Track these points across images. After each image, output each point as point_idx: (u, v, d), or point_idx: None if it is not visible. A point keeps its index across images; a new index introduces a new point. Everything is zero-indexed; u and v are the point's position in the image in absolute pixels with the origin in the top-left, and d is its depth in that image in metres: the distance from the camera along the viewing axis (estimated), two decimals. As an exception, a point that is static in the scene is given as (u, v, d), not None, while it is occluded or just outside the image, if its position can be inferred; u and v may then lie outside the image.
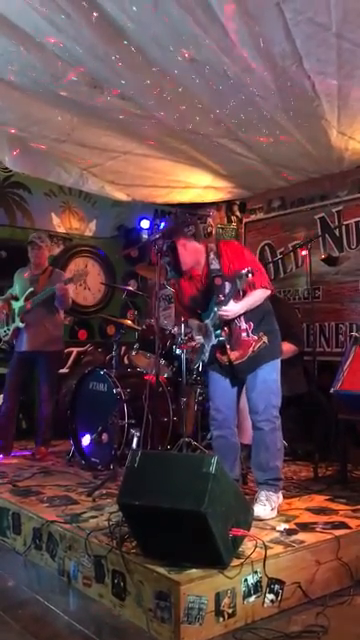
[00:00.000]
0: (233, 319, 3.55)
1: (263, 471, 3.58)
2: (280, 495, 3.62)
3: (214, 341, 3.60)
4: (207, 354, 3.69)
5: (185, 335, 4.47)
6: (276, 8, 3.00)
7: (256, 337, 3.57)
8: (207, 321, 3.66)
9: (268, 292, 3.60)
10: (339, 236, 5.49)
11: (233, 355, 3.60)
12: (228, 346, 3.60)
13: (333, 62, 3.49)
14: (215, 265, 3.61)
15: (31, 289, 5.24)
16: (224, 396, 3.73)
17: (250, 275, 3.30)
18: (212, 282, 3.61)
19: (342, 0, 2.94)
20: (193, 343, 4.01)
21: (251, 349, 3.57)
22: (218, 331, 3.56)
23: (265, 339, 3.59)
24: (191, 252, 3.66)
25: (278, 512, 3.52)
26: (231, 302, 3.42)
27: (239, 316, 3.55)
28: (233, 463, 3.69)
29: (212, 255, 3.66)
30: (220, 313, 3.45)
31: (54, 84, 3.93)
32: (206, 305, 3.67)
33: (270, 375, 3.60)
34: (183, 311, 3.99)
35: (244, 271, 3.30)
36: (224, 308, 3.42)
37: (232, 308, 3.43)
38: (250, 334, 3.57)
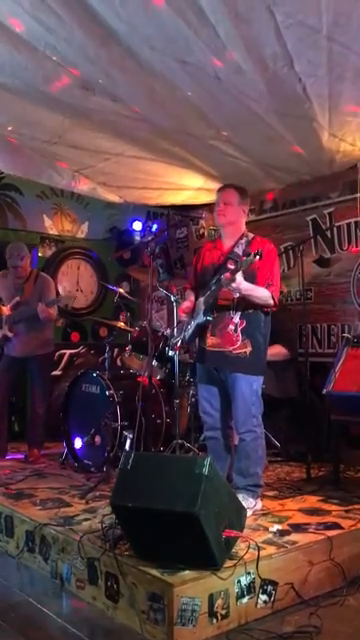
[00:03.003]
0: (229, 308, 3.54)
1: (243, 477, 3.62)
2: (259, 501, 3.64)
3: (201, 319, 3.59)
4: (190, 332, 3.69)
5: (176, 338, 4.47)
6: (267, 11, 3.01)
7: (240, 340, 3.55)
8: (201, 298, 3.64)
9: (271, 302, 3.55)
10: (331, 237, 5.51)
11: (211, 340, 3.60)
12: (209, 331, 3.60)
13: (324, 64, 3.50)
14: (239, 250, 3.61)
15: (17, 299, 5.20)
16: (210, 399, 3.76)
17: (258, 257, 3.26)
18: (225, 263, 3.60)
19: (333, 3, 2.96)
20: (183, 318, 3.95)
21: (231, 347, 3.55)
22: (208, 311, 3.54)
23: (248, 350, 3.55)
24: (234, 214, 3.68)
25: (271, 513, 3.54)
26: (240, 276, 3.32)
27: (235, 309, 3.54)
28: (224, 464, 3.71)
29: (243, 240, 3.65)
30: (227, 275, 3.33)
31: (45, 86, 3.93)
32: (207, 284, 3.65)
33: (249, 389, 3.59)
34: (192, 279, 3.96)
35: (253, 253, 3.26)
36: (237, 279, 3.29)
37: (239, 280, 3.32)
38: (238, 331, 3.55)
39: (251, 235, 3.73)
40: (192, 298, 3.85)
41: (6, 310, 5.19)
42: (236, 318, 3.56)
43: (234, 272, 3.31)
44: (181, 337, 3.89)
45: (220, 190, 3.83)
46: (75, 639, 2.60)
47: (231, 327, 3.56)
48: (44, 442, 5.36)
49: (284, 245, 5.75)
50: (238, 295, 3.47)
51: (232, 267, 3.43)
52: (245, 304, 3.54)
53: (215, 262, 3.72)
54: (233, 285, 3.33)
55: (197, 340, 3.72)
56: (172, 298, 4.91)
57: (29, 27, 3.28)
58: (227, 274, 3.36)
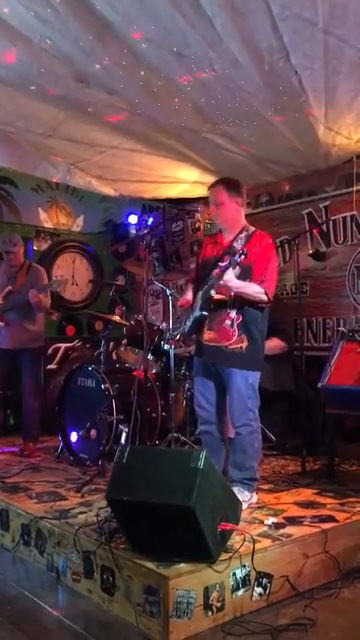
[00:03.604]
0: (225, 303, 3.53)
1: (239, 470, 3.62)
2: (254, 495, 3.65)
3: (197, 313, 3.58)
4: (188, 325, 3.69)
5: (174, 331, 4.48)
6: (263, 3, 3.00)
7: (237, 335, 3.53)
8: (199, 292, 3.64)
9: (264, 298, 3.51)
10: (326, 231, 5.51)
11: (207, 335, 3.61)
12: (207, 325, 3.60)
13: (320, 57, 3.49)
14: (237, 245, 3.59)
15: (9, 288, 5.17)
16: (205, 394, 3.76)
17: (243, 256, 3.27)
18: (222, 257, 3.58)
19: (328, -5, 2.95)
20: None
21: (227, 342, 3.54)
22: (205, 305, 3.51)
23: (244, 345, 3.53)
24: (228, 212, 3.64)
25: (266, 506, 3.55)
26: (231, 273, 3.30)
27: (232, 305, 3.53)
28: (219, 458, 3.71)
29: (243, 234, 3.63)
30: (216, 272, 3.36)
31: (40, 78, 3.91)
32: (206, 277, 3.64)
33: (245, 382, 3.57)
34: (195, 271, 3.95)
35: (239, 252, 3.27)
36: (224, 277, 3.30)
37: (228, 278, 3.30)
38: (235, 326, 3.54)
39: (252, 229, 3.69)
40: (190, 293, 3.85)
41: None
42: (233, 313, 3.55)
43: (223, 270, 3.31)
44: (180, 330, 3.89)
45: (209, 190, 3.76)
46: (71, 632, 2.61)
47: (227, 322, 3.55)
48: (39, 436, 5.36)
49: (280, 239, 5.76)
50: (226, 287, 3.44)
51: (224, 263, 3.41)
52: (242, 299, 3.53)
53: (215, 256, 3.71)
54: (221, 283, 3.32)
55: (195, 334, 3.73)
56: (167, 292, 4.90)
57: (24, 19, 3.26)
58: (216, 271, 3.37)
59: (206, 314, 3.56)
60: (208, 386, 3.74)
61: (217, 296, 3.52)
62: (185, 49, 3.47)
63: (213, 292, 3.44)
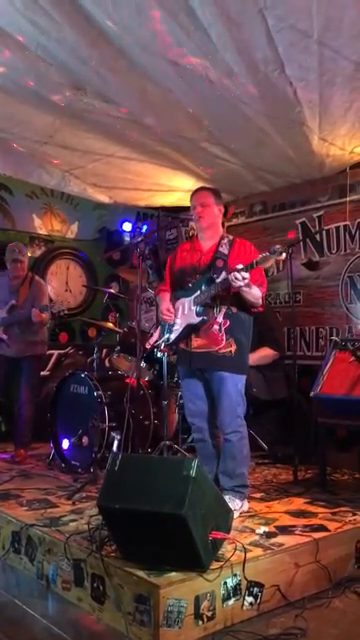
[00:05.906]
0: (212, 309, 3.55)
1: (230, 478, 3.62)
2: (245, 502, 3.65)
3: (195, 320, 3.59)
4: (178, 333, 3.69)
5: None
6: (259, 15, 3.03)
7: (225, 340, 3.55)
8: (184, 299, 3.66)
9: (260, 302, 3.60)
10: (320, 241, 5.54)
11: (196, 341, 3.62)
12: (194, 332, 3.61)
13: (315, 69, 3.53)
14: (224, 249, 3.65)
15: (13, 302, 5.20)
16: (195, 402, 3.76)
17: (284, 255, 3.40)
18: (214, 262, 3.62)
19: (324, 8, 2.98)
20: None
21: (216, 347, 3.55)
22: (202, 311, 3.55)
23: (233, 349, 3.55)
24: (212, 215, 3.69)
25: (257, 515, 3.54)
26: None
27: (218, 310, 3.55)
28: (213, 465, 3.71)
29: (225, 241, 3.70)
30: (234, 275, 3.35)
31: (37, 86, 3.92)
32: (190, 283, 3.66)
33: (235, 389, 3.59)
34: (167, 280, 3.93)
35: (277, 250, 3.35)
36: (241, 274, 3.32)
37: (248, 275, 3.35)
38: (222, 330, 3.55)
39: (231, 236, 3.78)
40: (168, 300, 3.82)
41: (1, 312, 5.20)
42: (220, 318, 3.57)
43: (247, 269, 3.34)
44: (164, 339, 3.86)
45: (195, 193, 3.82)
46: (60, 641, 2.59)
47: (215, 327, 3.57)
48: (31, 443, 5.34)
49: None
50: (241, 287, 3.42)
51: (220, 266, 3.46)
52: (229, 303, 3.56)
53: (195, 263, 3.72)
54: (239, 282, 3.33)
55: (182, 342, 3.71)
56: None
57: (21, 27, 3.28)
58: (236, 270, 3.36)
59: (206, 319, 3.56)
60: (197, 394, 3.74)
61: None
62: (180, 58, 3.50)
63: (213, 291, 3.51)
